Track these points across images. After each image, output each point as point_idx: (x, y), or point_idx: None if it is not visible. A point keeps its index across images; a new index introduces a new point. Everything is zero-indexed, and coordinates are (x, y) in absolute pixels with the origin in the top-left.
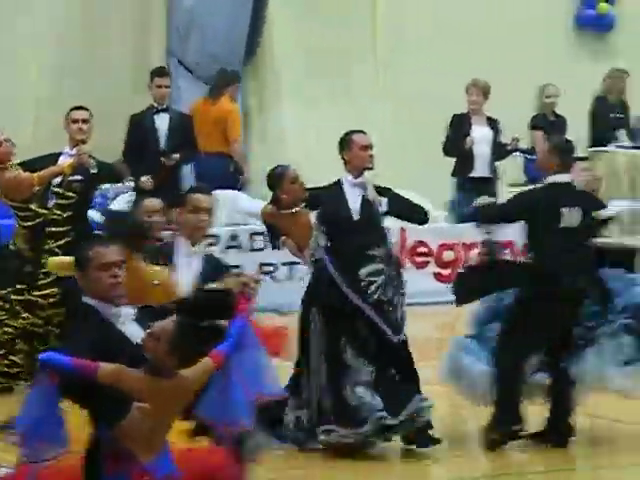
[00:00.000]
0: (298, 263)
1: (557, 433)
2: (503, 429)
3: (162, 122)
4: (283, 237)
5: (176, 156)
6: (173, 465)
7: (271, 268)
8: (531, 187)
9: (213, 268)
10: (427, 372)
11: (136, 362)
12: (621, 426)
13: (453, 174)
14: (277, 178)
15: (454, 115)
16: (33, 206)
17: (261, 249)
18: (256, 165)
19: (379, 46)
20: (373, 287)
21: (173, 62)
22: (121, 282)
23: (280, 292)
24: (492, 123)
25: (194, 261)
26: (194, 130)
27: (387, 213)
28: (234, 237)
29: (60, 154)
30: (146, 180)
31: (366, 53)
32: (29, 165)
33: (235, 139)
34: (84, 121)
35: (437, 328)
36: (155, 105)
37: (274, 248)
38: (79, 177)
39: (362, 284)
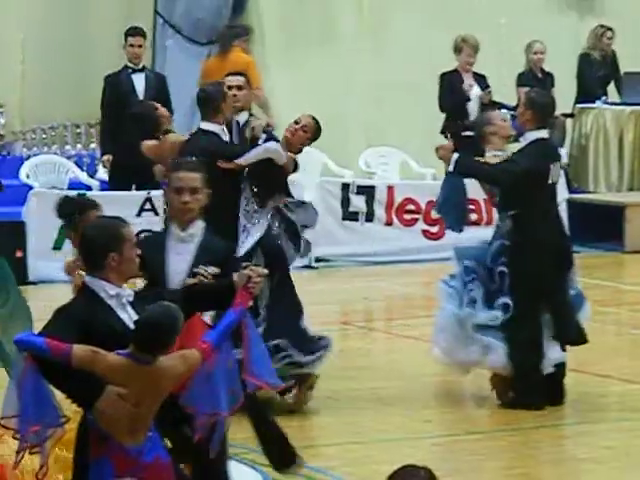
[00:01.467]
0: None
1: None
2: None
3: (139, 82)
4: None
5: None
6: (162, 450)
7: None
8: (514, 152)
9: (210, 255)
10: (413, 330)
11: (125, 346)
12: (610, 381)
13: (442, 131)
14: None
15: (443, 73)
16: None
17: None
18: None
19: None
20: None
21: (159, 22)
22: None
23: None
24: (480, 80)
25: (186, 247)
26: (169, 90)
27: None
28: None
29: None
30: (104, 160)
31: (353, 7)
32: None
33: (257, 87)
34: (239, 87)
35: (425, 285)
36: (130, 65)
37: None
38: None
39: None
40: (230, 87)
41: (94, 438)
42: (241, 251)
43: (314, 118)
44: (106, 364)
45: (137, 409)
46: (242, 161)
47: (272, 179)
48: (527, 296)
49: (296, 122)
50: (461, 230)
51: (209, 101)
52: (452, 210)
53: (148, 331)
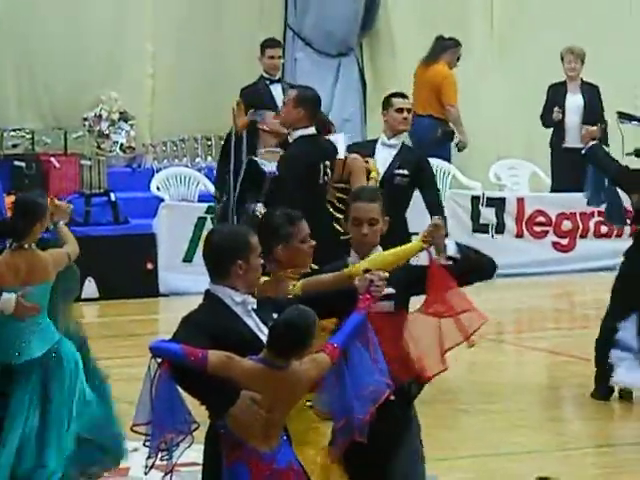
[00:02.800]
0: None
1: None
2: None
3: (277, 93)
4: None
5: None
6: (293, 455)
7: None
8: None
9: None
10: (543, 342)
11: (254, 353)
12: None
13: (550, 145)
14: None
15: (550, 85)
16: None
17: None
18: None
19: (495, 15)
20: None
21: (290, 35)
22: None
23: None
24: (590, 90)
25: None
26: None
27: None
28: None
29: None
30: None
31: (482, 24)
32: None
33: (450, 104)
34: (408, 110)
35: (555, 297)
36: (266, 76)
37: None
38: None
39: None
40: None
41: (227, 444)
42: None
43: None
44: (240, 370)
45: (270, 414)
46: None
47: None
48: None
49: None
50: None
51: None
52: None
53: (285, 334)
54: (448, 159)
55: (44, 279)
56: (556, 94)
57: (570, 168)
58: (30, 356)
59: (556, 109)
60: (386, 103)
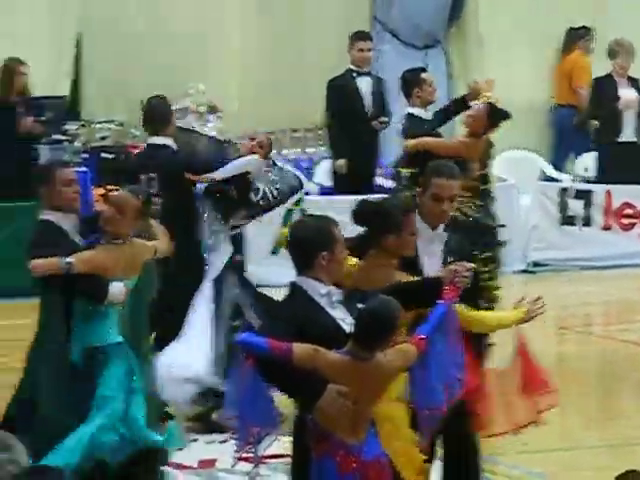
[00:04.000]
0: None
1: None
2: None
3: (364, 86)
4: None
5: (386, 119)
6: (381, 450)
7: None
8: None
9: (454, 251)
10: (631, 334)
11: (339, 344)
12: None
13: (596, 140)
14: None
15: (596, 78)
16: None
17: None
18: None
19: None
20: None
21: (376, 27)
22: None
23: None
24: (635, 84)
25: (435, 247)
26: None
27: None
28: None
29: None
30: (341, 164)
31: (572, 14)
32: None
33: (578, 86)
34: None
35: None
36: (354, 69)
37: None
38: None
39: None
40: None
41: (315, 437)
42: (210, 276)
43: None
44: (326, 362)
45: (357, 406)
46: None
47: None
48: None
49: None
50: None
51: None
52: None
53: (370, 325)
54: (587, 148)
55: (137, 271)
56: (605, 88)
57: (624, 162)
58: (114, 340)
59: (621, 102)
60: (417, 80)
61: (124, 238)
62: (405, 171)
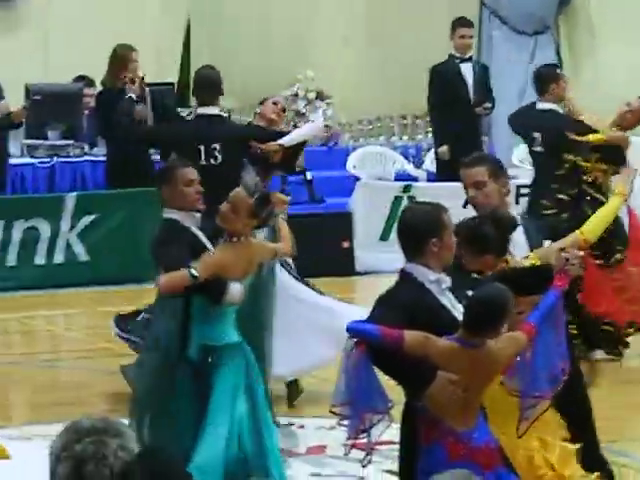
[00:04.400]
0: None
1: None
2: None
3: (467, 72)
4: None
5: (489, 105)
6: (491, 436)
7: None
8: None
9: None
10: None
11: (449, 331)
12: None
13: None
14: None
15: None
16: None
17: None
18: None
19: None
20: None
21: (485, 14)
22: None
23: None
24: None
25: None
26: (490, 81)
27: None
28: None
29: None
30: (444, 151)
31: None
32: None
33: None
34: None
35: None
36: (457, 55)
37: None
38: None
39: None
40: None
41: (425, 424)
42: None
43: None
44: (436, 349)
45: (467, 393)
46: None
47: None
48: None
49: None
50: None
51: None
52: None
53: (481, 312)
54: None
55: (253, 271)
56: None
57: None
58: (231, 340)
59: None
60: (554, 76)
61: (239, 237)
62: (585, 165)
